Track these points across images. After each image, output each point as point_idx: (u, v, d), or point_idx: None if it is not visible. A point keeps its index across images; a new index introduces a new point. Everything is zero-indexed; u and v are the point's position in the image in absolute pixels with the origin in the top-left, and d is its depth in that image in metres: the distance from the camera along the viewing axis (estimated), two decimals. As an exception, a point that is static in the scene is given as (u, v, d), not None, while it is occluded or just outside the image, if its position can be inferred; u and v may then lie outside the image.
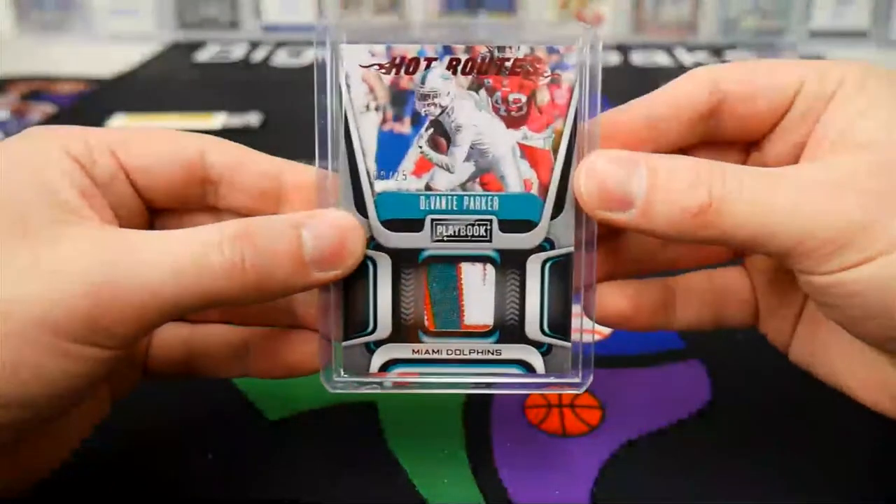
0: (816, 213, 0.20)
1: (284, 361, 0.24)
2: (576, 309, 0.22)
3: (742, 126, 0.24)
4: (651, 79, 0.66)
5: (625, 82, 0.70)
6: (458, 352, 0.22)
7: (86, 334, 0.19)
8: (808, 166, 0.22)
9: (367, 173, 0.21)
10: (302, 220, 0.21)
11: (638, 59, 0.79)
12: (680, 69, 0.75)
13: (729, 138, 0.24)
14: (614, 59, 0.78)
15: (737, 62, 0.24)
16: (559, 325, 0.22)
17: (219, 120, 0.58)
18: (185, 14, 0.85)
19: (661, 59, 0.79)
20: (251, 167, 0.23)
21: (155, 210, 0.24)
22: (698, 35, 0.85)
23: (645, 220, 0.21)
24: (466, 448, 0.27)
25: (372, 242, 0.21)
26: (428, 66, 0.20)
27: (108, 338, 0.19)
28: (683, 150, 0.24)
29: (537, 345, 0.22)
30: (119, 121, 0.59)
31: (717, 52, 0.81)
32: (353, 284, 0.22)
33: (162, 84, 0.70)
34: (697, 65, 0.79)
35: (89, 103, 0.64)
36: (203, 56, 0.79)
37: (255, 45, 0.83)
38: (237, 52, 0.81)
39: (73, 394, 0.20)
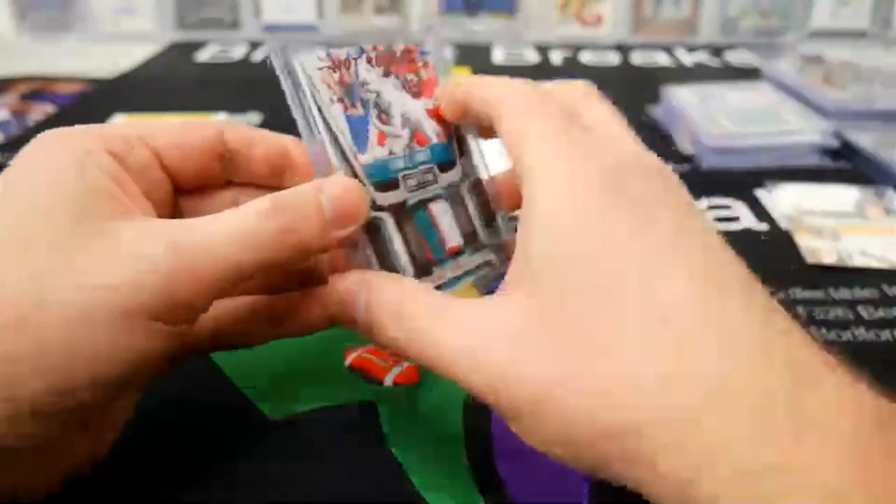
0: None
1: (322, 314, 0.26)
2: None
3: None
4: (651, 78, 0.66)
5: (625, 82, 0.70)
6: (456, 269, 0.27)
7: (168, 312, 0.21)
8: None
9: (352, 152, 0.25)
10: (319, 186, 0.23)
11: (638, 59, 0.78)
12: (680, 69, 0.75)
13: None
14: (614, 59, 0.78)
15: None
16: (491, 225, 0.28)
17: (219, 120, 0.58)
18: (185, 14, 0.85)
19: (661, 59, 0.79)
20: (262, 143, 0.27)
21: (179, 191, 0.26)
22: (698, 35, 0.85)
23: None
24: (466, 448, 0.27)
25: (374, 205, 0.25)
26: (356, 63, 0.26)
27: (186, 311, 0.21)
28: None
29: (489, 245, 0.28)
30: (119, 121, 0.59)
31: (717, 51, 0.81)
32: (377, 243, 0.25)
33: (162, 84, 0.70)
34: (698, 65, 0.80)
35: (89, 103, 0.64)
36: (203, 56, 0.79)
37: (255, 45, 0.83)
38: (237, 52, 0.81)
39: (144, 373, 0.22)
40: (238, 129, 0.27)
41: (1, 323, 0.19)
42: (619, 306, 0.19)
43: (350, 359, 0.31)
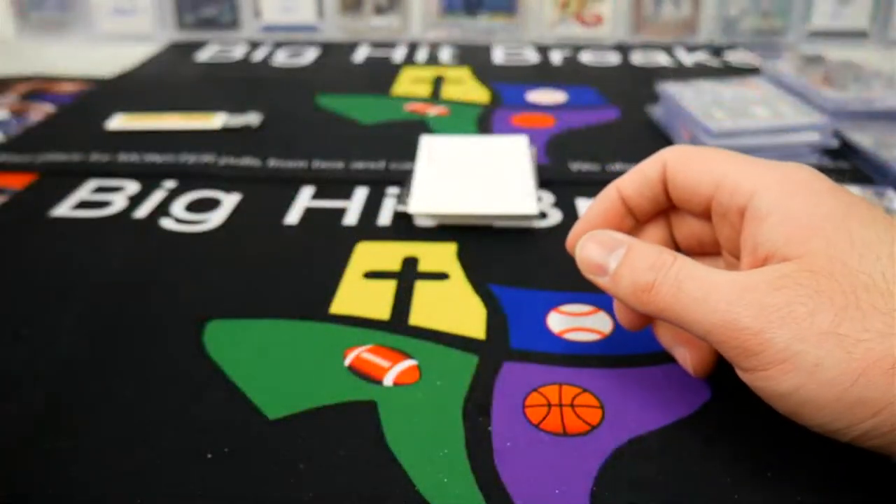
0: (716, 312, 0.23)
1: None
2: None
3: (683, 201, 0.29)
4: (651, 79, 0.66)
5: (625, 82, 0.70)
6: None
7: None
8: (728, 273, 0.24)
9: None
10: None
11: (638, 59, 0.78)
12: (680, 69, 0.75)
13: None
14: (614, 59, 0.78)
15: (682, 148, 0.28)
16: None
17: (219, 120, 0.58)
18: (184, 14, 0.85)
19: (661, 59, 0.79)
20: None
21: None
22: (698, 35, 0.85)
23: (613, 285, 0.27)
24: (466, 448, 0.27)
25: None
26: None
27: None
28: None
29: None
30: (119, 120, 0.59)
31: (717, 51, 0.81)
32: None
33: (162, 84, 0.70)
34: (697, 65, 0.80)
35: (89, 103, 0.64)
36: (203, 56, 0.79)
37: (255, 45, 0.83)
38: (237, 52, 0.81)
39: None
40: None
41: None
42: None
43: (350, 359, 0.31)
